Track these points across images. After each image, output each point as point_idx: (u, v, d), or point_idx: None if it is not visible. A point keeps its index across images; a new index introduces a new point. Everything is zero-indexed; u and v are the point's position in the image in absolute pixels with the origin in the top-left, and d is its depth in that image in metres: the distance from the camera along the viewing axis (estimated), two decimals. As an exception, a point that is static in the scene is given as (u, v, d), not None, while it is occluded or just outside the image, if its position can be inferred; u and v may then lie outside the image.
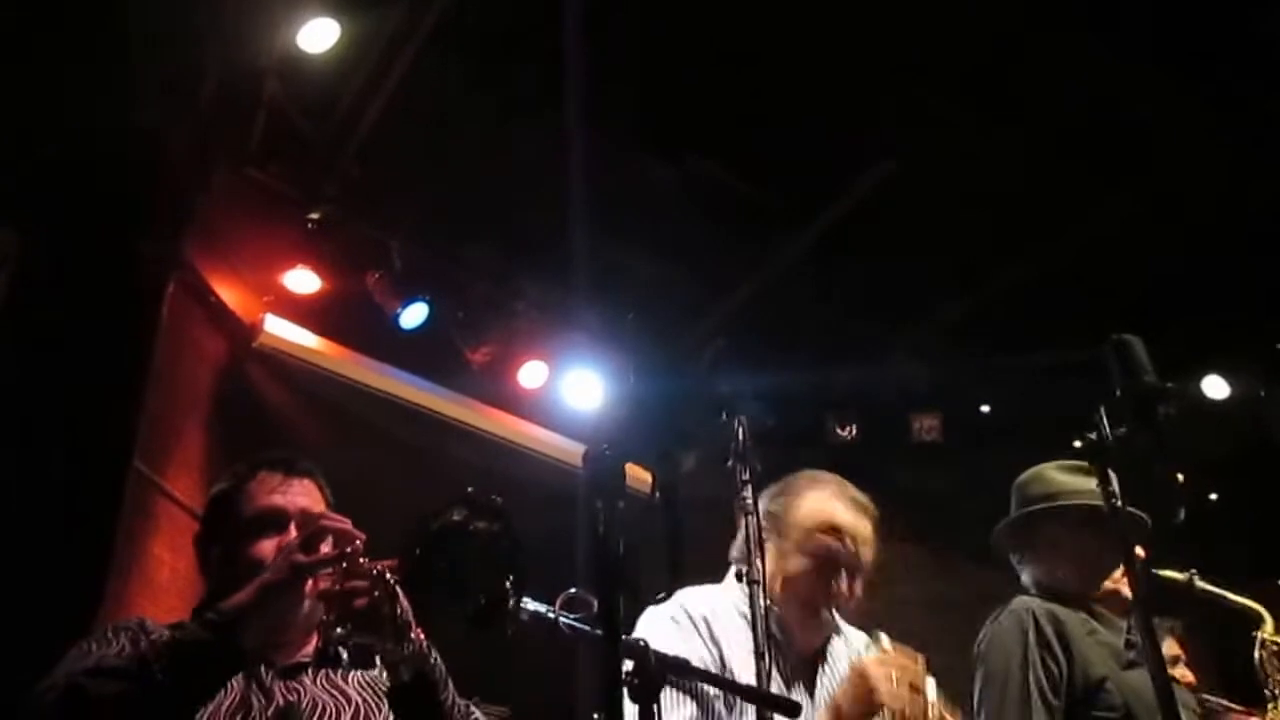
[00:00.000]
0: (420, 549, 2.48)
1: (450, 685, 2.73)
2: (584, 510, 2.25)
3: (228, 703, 2.62)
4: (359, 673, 2.86)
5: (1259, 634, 4.63)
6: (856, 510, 3.57)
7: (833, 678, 3.48)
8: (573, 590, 2.46)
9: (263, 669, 2.71)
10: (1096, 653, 3.69)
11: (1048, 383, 5.73)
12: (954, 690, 3.55)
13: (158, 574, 4.88)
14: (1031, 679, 3.59)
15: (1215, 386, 6.77)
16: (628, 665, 2.31)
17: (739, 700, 3.18)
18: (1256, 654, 4.61)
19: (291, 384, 6.10)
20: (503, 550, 2.49)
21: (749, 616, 3.42)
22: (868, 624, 3.62)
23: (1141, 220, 6.16)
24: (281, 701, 2.69)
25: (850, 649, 3.60)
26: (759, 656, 2.80)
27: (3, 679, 3.58)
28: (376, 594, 2.56)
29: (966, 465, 6.48)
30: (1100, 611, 3.91)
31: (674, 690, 3.11)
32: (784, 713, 2.73)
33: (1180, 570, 4.31)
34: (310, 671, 2.79)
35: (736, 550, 3.66)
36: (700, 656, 3.31)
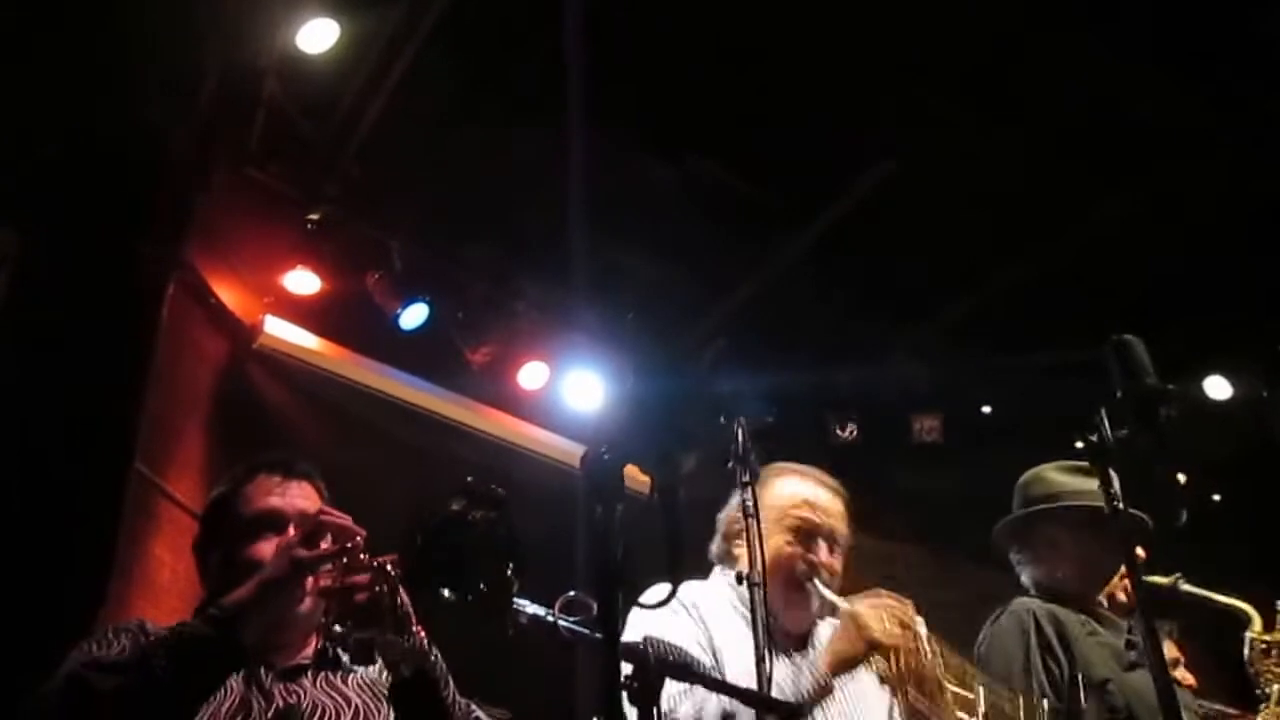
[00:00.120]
0: (420, 541, 2.49)
1: (451, 683, 2.74)
2: (584, 513, 2.24)
3: (228, 704, 2.62)
4: (359, 674, 2.86)
5: (1247, 634, 4.63)
6: (828, 490, 3.67)
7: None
8: (572, 593, 2.46)
9: (263, 671, 2.71)
10: (1098, 654, 3.69)
11: (1049, 383, 5.73)
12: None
13: (158, 575, 4.88)
14: (1033, 681, 3.60)
15: (1217, 387, 6.76)
16: (627, 668, 2.31)
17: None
18: (1246, 653, 4.62)
19: (292, 385, 6.09)
20: (501, 538, 2.50)
21: (737, 608, 3.52)
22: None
23: (1141, 220, 6.16)
24: (281, 703, 2.69)
25: None
26: (759, 660, 2.80)
27: (3, 679, 3.60)
28: (377, 589, 2.57)
29: (967, 466, 6.48)
30: (1100, 612, 3.91)
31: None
32: (785, 717, 2.74)
33: (1165, 574, 4.30)
34: (310, 674, 2.79)
35: (716, 548, 3.70)
36: (691, 634, 3.36)
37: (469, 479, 2.59)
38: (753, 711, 3.08)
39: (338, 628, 2.74)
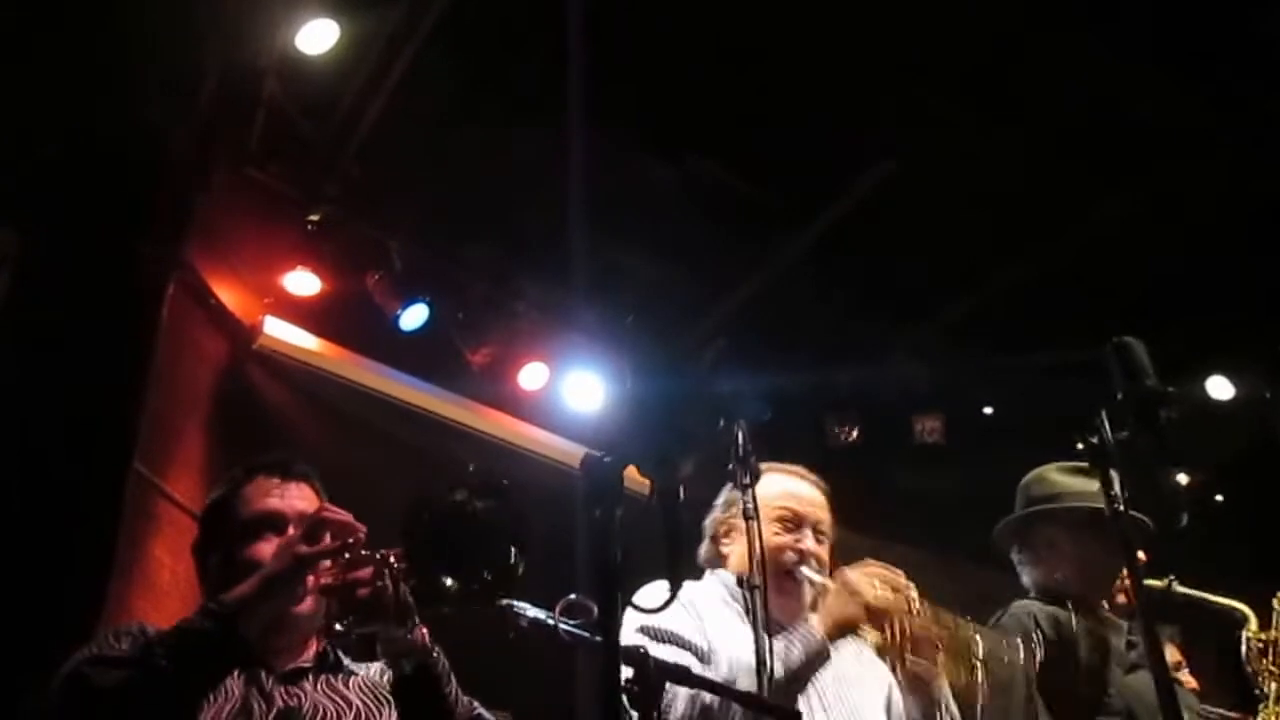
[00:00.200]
0: (423, 532, 2.50)
1: (453, 680, 2.73)
2: (583, 516, 2.25)
3: (229, 707, 2.62)
4: (360, 677, 2.86)
5: (1244, 633, 4.64)
6: (809, 483, 3.72)
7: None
8: (572, 596, 2.47)
9: (264, 674, 2.71)
10: (1098, 656, 3.69)
11: (1050, 384, 5.73)
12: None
13: (158, 577, 4.87)
14: (1035, 684, 3.59)
15: (1220, 388, 6.75)
16: (627, 672, 2.31)
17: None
18: (1243, 653, 4.63)
19: (292, 385, 6.08)
20: (504, 526, 2.51)
21: (730, 603, 3.55)
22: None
23: (1141, 220, 6.15)
24: (282, 705, 2.69)
25: None
26: (760, 664, 2.81)
27: (3, 680, 3.60)
28: (379, 582, 2.57)
29: (968, 467, 6.47)
30: (1100, 614, 3.91)
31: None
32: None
33: (1160, 575, 4.31)
34: (311, 677, 2.79)
35: (705, 552, 3.73)
36: (685, 623, 3.38)
37: (471, 468, 2.61)
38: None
39: (339, 626, 2.74)
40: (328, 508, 2.75)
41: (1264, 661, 4.59)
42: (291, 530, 2.81)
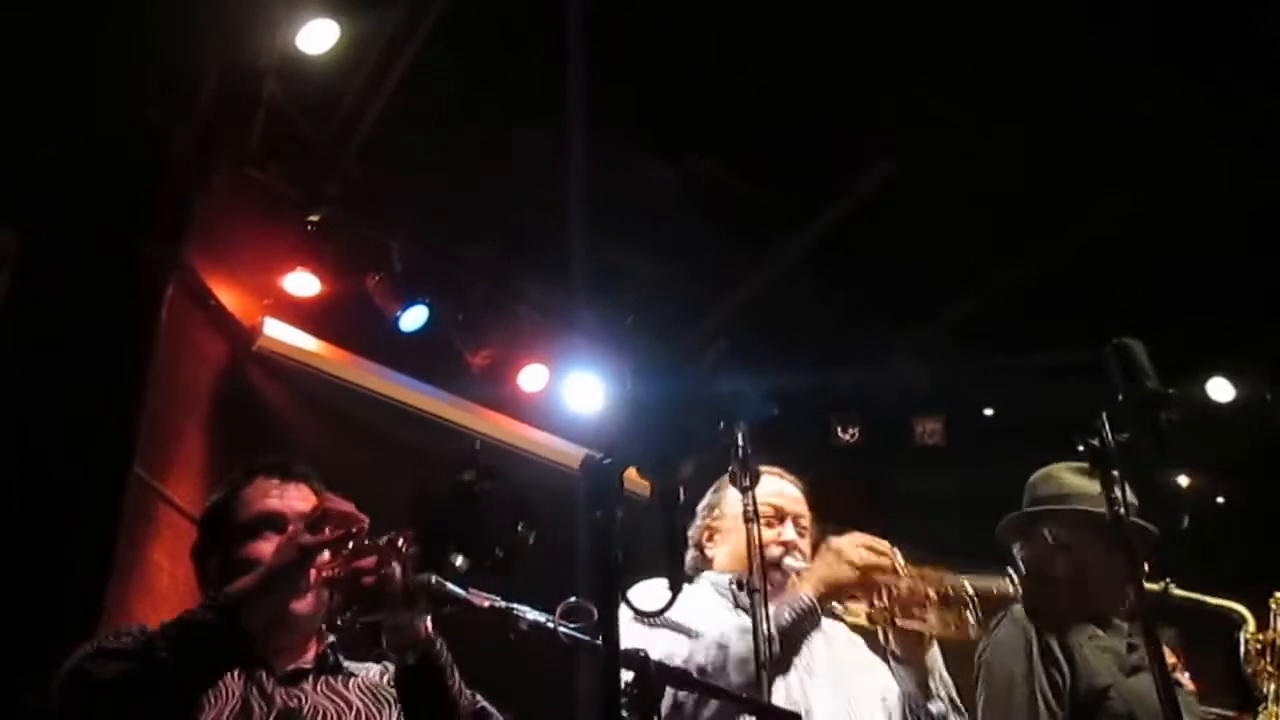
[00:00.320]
0: (433, 513, 2.50)
1: (456, 673, 2.73)
2: (584, 518, 2.25)
3: (229, 708, 2.62)
4: (360, 678, 2.86)
5: (1242, 634, 4.63)
6: (786, 480, 3.83)
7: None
8: (572, 599, 2.47)
9: (264, 675, 2.71)
10: (1099, 660, 3.68)
11: (1051, 385, 5.72)
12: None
13: (157, 580, 4.87)
14: (1036, 689, 3.59)
15: (1220, 389, 6.74)
16: (627, 675, 2.31)
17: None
18: (1241, 654, 4.62)
19: (291, 387, 6.07)
20: (511, 501, 2.52)
21: (718, 600, 3.62)
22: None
23: (1141, 220, 6.15)
24: (282, 706, 2.69)
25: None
26: (760, 666, 2.81)
27: (2, 683, 3.60)
28: (384, 570, 2.57)
29: (969, 468, 6.47)
30: (1099, 613, 3.89)
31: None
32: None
33: (1157, 578, 4.29)
34: (311, 678, 2.79)
35: (691, 560, 3.79)
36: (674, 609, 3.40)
37: (478, 445, 2.62)
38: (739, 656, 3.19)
39: (343, 619, 2.73)
40: (330, 499, 2.74)
41: (1262, 663, 4.58)
42: (291, 530, 2.81)
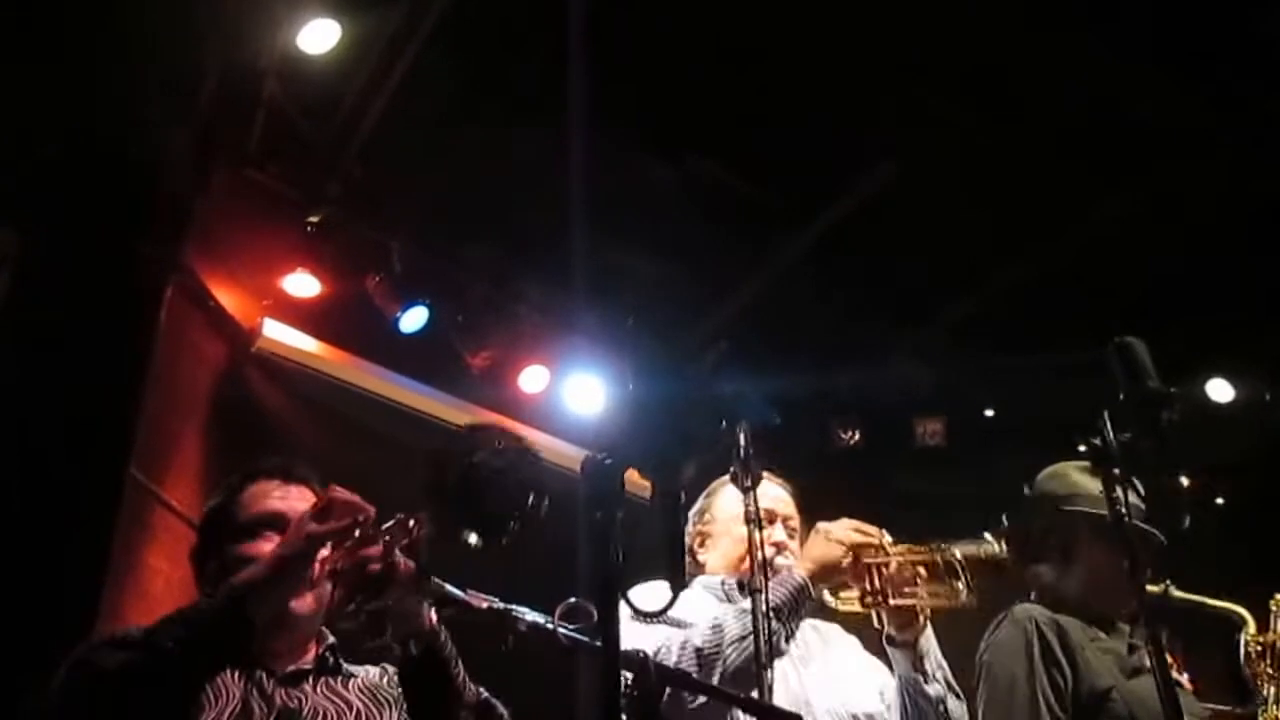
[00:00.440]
0: (447, 493, 2.50)
1: (461, 665, 2.73)
2: (584, 519, 2.24)
3: (229, 709, 2.62)
4: (359, 679, 2.87)
5: (1241, 636, 4.62)
6: (777, 484, 3.85)
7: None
8: (572, 600, 2.46)
9: (264, 676, 2.71)
10: (1101, 662, 3.66)
11: (1051, 385, 5.72)
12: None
13: (152, 584, 4.86)
14: (1038, 691, 3.58)
15: (1220, 390, 6.73)
16: (627, 677, 2.31)
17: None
18: (1241, 656, 4.61)
19: (290, 389, 6.06)
20: (521, 477, 2.53)
21: (712, 599, 3.65)
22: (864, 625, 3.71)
23: (1141, 220, 6.15)
24: (282, 707, 2.69)
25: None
26: (760, 669, 2.81)
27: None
28: (391, 559, 2.57)
29: (970, 469, 6.46)
30: (1101, 616, 3.88)
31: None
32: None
33: (1157, 580, 4.28)
34: (311, 679, 2.79)
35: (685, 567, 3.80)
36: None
37: (484, 430, 2.63)
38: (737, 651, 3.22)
39: (351, 605, 2.72)
40: (336, 489, 2.74)
41: (1262, 665, 4.57)
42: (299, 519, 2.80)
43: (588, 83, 5.31)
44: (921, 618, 3.53)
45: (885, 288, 6.68)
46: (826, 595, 3.62)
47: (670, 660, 3.19)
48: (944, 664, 3.59)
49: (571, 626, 2.47)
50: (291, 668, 2.79)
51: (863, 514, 3.66)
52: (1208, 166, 5.95)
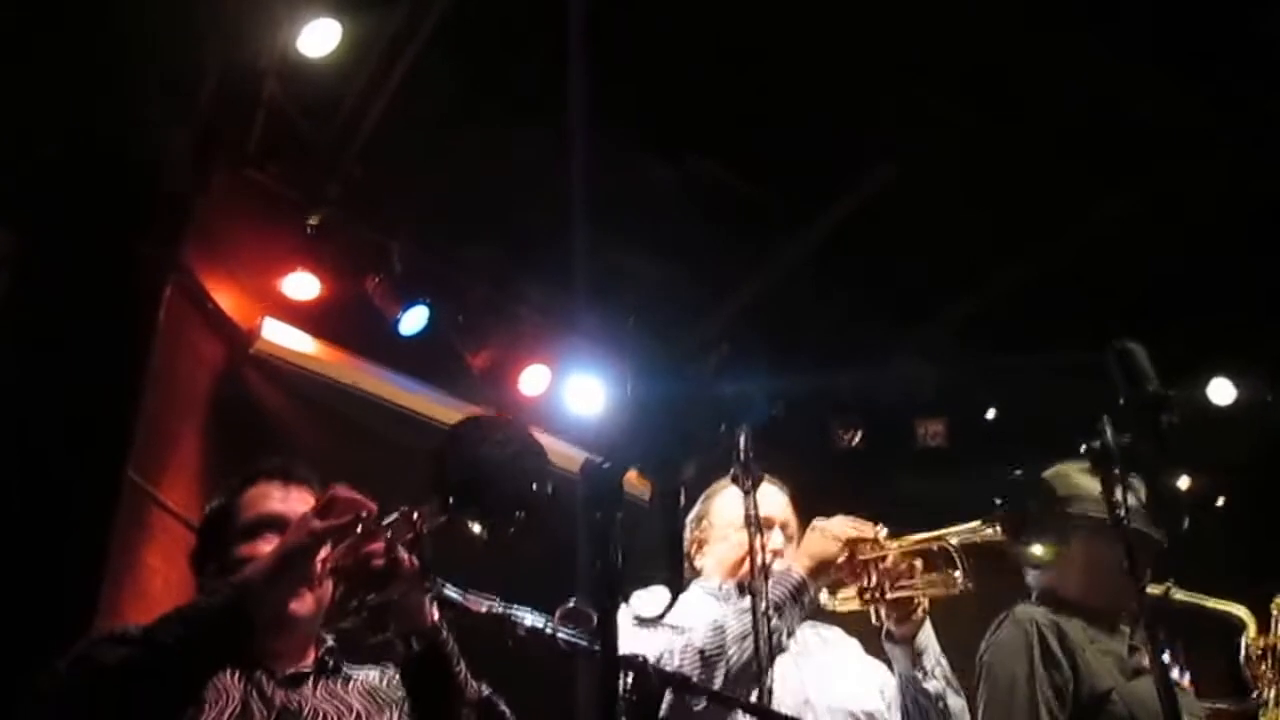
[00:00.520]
0: (454, 484, 2.51)
1: (463, 663, 2.73)
2: (583, 521, 2.24)
3: (229, 710, 2.62)
4: (359, 681, 2.87)
5: (1242, 638, 4.63)
6: (774, 489, 3.86)
7: None
8: (571, 603, 2.46)
9: (264, 678, 2.71)
10: (1101, 663, 3.67)
11: (1052, 386, 5.71)
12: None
13: (150, 584, 4.85)
14: (1038, 692, 3.58)
15: (1221, 391, 6.72)
16: (627, 680, 2.31)
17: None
18: (1241, 658, 4.62)
19: (289, 390, 6.04)
20: (523, 466, 2.54)
21: (709, 601, 3.65)
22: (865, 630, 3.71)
23: (1141, 220, 6.14)
24: (282, 709, 2.69)
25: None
26: (760, 672, 2.81)
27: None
28: (394, 554, 2.57)
29: (972, 471, 6.45)
30: (1102, 617, 3.88)
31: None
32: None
33: (1158, 581, 4.28)
34: (311, 680, 2.80)
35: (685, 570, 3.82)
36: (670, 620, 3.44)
37: (488, 421, 2.63)
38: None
39: (354, 601, 2.72)
40: (338, 487, 2.74)
41: (1263, 666, 4.57)
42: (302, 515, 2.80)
43: (588, 83, 5.30)
44: (920, 611, 3.54)
45: (886, 288, 6.67)
46: (825, 597, 3.63)
47: (673, 664, 3.19)
48: (943, 660, 3.59)
49: (571, 629, 2.47)
50: (291, 669, 2.79)
51: (864, 515, 3.67)
52: (1208, 166, 5.95)
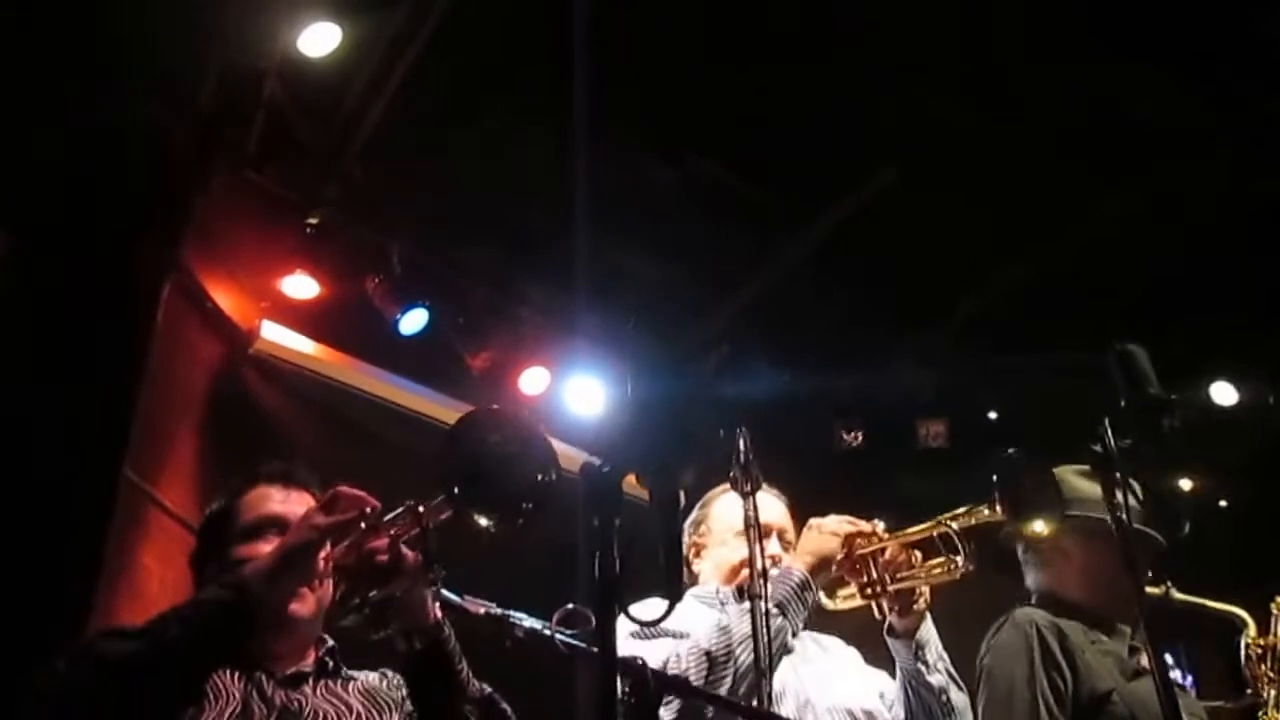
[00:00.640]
0: (464, 477, 2.51)
1: (464, 661, 2.73)
2: (583, 524, 2.24)
3: (229, 710, 2.62)
4: (359, 682, 2.87)
5: (1242, 639, 4.63)
6: (772, 496, 3.86)
7: None
8: (570, 606, 2.46)
9: (264, 678, 2.71)
10: (1101, 664, 3.67)
11: (1052, 387, 5.71)
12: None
13: (146, 585, 4.84)
14: (1038, 694, 3.58)
15: (1223, 393, 6.71)
16: (624, 685, 2.30)
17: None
18: (1241, 658, 4.62)
19: (288, 390, 6.03)
20: (530, 458, 2.54)
21: (705, 607, 3.64)
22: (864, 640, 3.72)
23: (1141, 220, 6.14)
24: (283, 709, 2.69)
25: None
26: (760, 674, 2.81)
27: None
28: (397, 551, 2.57)
29: (973, 471, 6.43)
30: (1102, 619, 3.88)
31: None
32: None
33: (1158, 582, 4.28)
34: (311, 681, 2.80)
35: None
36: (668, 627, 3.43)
37: (494, 414, 2.63)
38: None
39: (358, 599, 2.73)
40: (341, 486, 2.74)
41: (1263, 667, 4.57)
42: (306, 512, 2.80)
43: (587, 83, 5.30)
44: (921, 602, 3.54)
45: (886, 289, 6.67)
46: (824, 599, 3.63)
47: (680, 667, 3.18)
48: (945, 655, 3.59)
49: (569, 632, 2.47)
50: (291, 670, 2.80)
51: (865, 516, 3.66)
52: (1208, 166, 5.95)
